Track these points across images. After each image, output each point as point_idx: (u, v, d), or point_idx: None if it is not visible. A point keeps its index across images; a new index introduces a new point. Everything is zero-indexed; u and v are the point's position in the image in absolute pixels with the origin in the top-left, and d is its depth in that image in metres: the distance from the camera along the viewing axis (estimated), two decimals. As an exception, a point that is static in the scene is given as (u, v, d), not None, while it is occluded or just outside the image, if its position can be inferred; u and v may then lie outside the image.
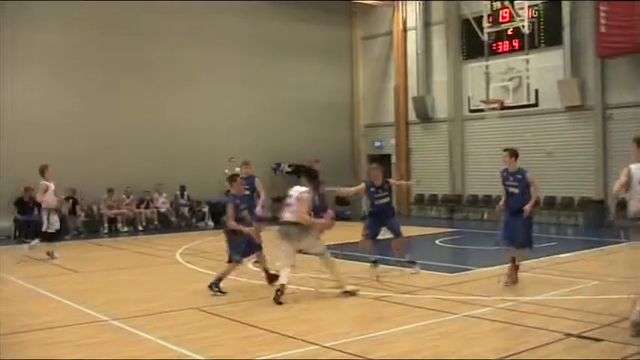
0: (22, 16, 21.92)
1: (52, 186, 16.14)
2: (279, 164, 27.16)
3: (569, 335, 8.10)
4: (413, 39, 28.39)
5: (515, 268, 11.75)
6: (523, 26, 21.80)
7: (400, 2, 28.75)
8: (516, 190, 11.71)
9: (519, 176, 11.70)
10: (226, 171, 21.10)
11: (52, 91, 22.81)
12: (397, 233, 13.04)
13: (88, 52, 23.29)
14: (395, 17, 28.89)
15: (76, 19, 22.93)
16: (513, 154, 11.85)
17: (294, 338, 8.33)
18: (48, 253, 16.26)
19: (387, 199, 13.04)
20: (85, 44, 23.23)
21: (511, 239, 11.72)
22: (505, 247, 11.97)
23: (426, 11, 28.02)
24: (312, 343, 8.09)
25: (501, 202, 12.19)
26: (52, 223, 16.28)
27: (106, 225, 23.26)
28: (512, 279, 11.65)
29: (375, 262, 13.08)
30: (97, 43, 23.43)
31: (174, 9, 24.78)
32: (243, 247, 11.31)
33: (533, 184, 11.73)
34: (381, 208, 13.00)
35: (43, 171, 16.08)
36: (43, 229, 16.27)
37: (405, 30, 28.77)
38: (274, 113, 27.70)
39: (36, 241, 16.42)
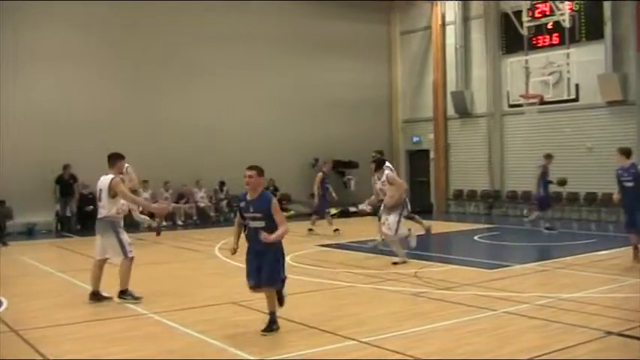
0: (38, 16, 22.14)
1: None
2: (317, 159, 27.24)
3: (609, 333, 8.00)
4: (452, 34, 28.17)
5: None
6: (563, 20, 21.51)
7: (439, -3, 28.61)
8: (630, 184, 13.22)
9: (632, 170, 13.20)
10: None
11: (97, 89, 23.20)
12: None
13: (124, 50, 23.69)
14: (433, 12, 28.67)
15: (99, 19, 23.26)
16: (623, 152, 13.44)
17: (332, 333, 8.34)
18: None
19: None
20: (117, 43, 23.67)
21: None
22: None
23: (465, 6, 27.80)
24: (349, 338, 8.08)
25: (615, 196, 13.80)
26: None
27: (146, 219, 23.51)
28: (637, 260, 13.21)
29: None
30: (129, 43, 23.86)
31: (208, 7, 24.92)
32: None
33: None
34: None
35: None
36: None
37: (443, 25, 28.53)
38: (313, 110, 27.83)
39: None
